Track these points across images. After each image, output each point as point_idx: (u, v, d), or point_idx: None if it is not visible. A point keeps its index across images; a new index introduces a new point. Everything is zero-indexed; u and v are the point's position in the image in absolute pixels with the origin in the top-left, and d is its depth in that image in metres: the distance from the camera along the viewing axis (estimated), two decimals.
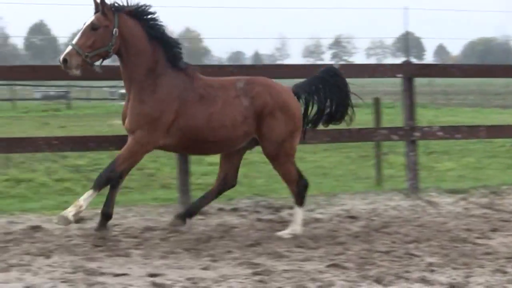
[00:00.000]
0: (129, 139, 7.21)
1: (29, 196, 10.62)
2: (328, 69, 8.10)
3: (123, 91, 52.15)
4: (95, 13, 7.01)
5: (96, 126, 23.09)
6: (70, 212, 6.98)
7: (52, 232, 7.71)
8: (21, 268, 6.29)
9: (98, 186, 7.08)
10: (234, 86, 7.44)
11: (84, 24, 7.03)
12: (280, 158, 7.58)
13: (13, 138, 9.60)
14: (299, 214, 7.72)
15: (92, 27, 6.97)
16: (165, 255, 6.75)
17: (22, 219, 8.52)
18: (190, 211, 7.99)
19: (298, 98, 7.76)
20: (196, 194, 9.47)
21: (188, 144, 7.49)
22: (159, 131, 7.11)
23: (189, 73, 7.35)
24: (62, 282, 5.86)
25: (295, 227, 7.65)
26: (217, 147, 7.66)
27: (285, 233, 7.56)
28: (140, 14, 7.14)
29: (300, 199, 7.75)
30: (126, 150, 7.20)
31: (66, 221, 7.06)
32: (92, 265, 6.34)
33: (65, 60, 6.84)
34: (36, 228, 7.88)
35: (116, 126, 26.34)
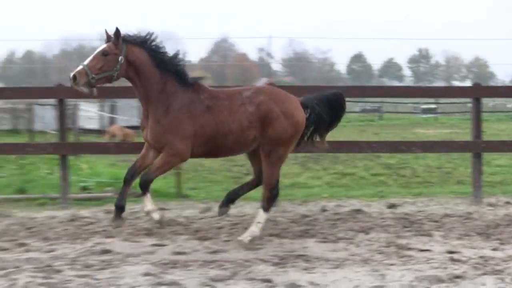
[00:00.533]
0: (162, 153, 7.68)
1: (352, 186, 13.27)
2: (338, 94, 8.47)
3: (425, 106, 53.93)
4: (107, 42, 7.58)
5: (402, 134, 27.79)
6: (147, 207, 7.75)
7: (370, 214, 9.56)
8: (346, 241, 8.01)
9: (141, 188, 7.69)
10: (240, 96, 7.86)
11: (97, 50, 7.60)
12: (272, 159, 7.89)
13: (342, 141, 11.48)
14: (261, 217, 7.98)
15: (103, 53, 7.50)
16: (460, 236, 8.16)
17: (347, 204, 10.55)
18: (230, 198, 8.37)
19: (305, 108, 8.10)
20: (487, 190, 11.43)
21: (208, 149, 7.86)
22: (185, 142, 7.60)
23: (196, 88, 7.77)
24: (378, 253, 7.38)
25: (254, 229, 7.95)
26: (232, 150, 8.06)
27: (244, 236, 7.86)
28: (144, 43, 7.66)
29: (267, 205, 8.02)
30: (159, 164, 7.71)
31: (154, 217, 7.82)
32: (402, 241, 7.88)
33: (74, 77, 7.35)
34: (357, 211, 9.76)
35: (419, 134, 29.90)
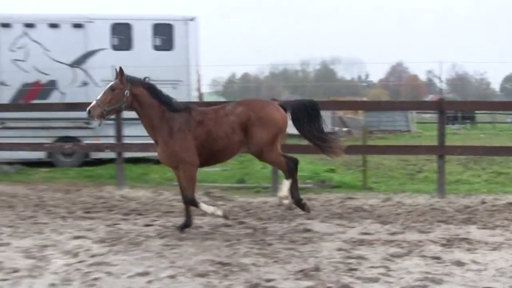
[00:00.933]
0: (181, 172, 9.10)
1: (507, 183, 14.40)
2: (312, 101, 9.80)
3: None
4: (115, 79, 8.90)
5: None
6: (214, 212, 9.19)
7: None
8: (503, 228, 9.21)
9: (188, 203, 9.12)
10: (223, 109, 9.23)
11: (106, 87, 8.94)
12: (264, 154, 9.21)
13: (498, 147, 14.13)
14: (285, 184, 9.27)
15: (111, 89, 8.83)
16: None
17: (503, 197, 11.86)
18: (296, 199, 9.56)
19: (285, 110, 9.39)
20: None
21: (207, 156, 9.16)
22: (194, 158, 9.00)
23: (188, 109, 9.12)
24: None
25: (282, 194, 9.28)
26: (224, 153, 9.30)
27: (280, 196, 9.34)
28: (143, 83, 9.02)
29: (289, 174, 9.29)
30: (184, 181, 9.11)
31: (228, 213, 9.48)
32: None
33: (89, 111, 8.73)
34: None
35: None
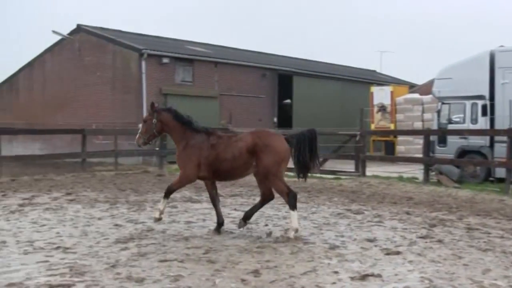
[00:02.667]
0: (179, 174, 11.16)
1: None
2: (312, 131, 10.70)
3: None
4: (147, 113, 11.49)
5: None
6: (156, 213, 10.89)
7: None
8: None
9: (165, 196, 10.87)
10: (236, 136, 10.95)
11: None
12: (269, 178, 10.47)
13: None
14: (294, 216, 10.29)
15: (144, 121, 11.39)
16: None
17: None
18: (246, 216, 10.97)
19: (289, 143, 10.64)
20: None
21: (214, 174, 10.79)
22: (195, 168, 10.66)
23: (208, 132, 10.96)
24: None
25: (293, 225, 10.26)
26: (232, 174, 10.92)
27: (290, 234, 10.17)
28: (169, 110, 11.28)
29: (291, 205, 10.32)
30: (177, 179, 11.05)
31: (156, 220, 10.93)
32: None
33: (136, 140, 11.44)
34: None
35: None
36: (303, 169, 10.77)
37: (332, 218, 12.47)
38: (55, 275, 7.53)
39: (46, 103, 38.44)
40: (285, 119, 39.44)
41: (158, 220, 10.89)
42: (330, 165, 22.90)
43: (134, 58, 32.40)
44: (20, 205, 13.89)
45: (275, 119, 38.64)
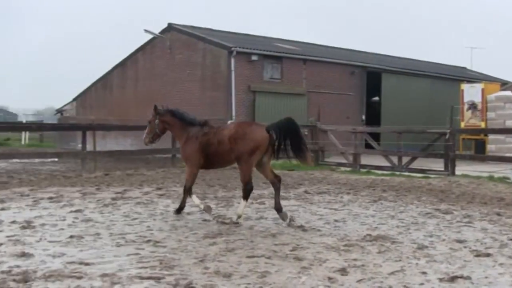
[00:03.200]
0: (186, 169, 12.76)
1: None
2: (289, 119, 11.63)
3: None
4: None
5: None
6: (199, 205, 12.16)
7: None
8: None
9: (185, 191, 12.24)
10: (223, 126, 12.43)
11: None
12: (241, 163, 11.52)
13: None
14: (242, 204, 11.49)
15: (148, 122, 12.92)
16: None
17: None
18: (278, 208, 11.57)
19: (268, 132, 11.49)
20: None
21: (210, 161, 12.09)
22: (195, 155, 12.02)
23: (202, 124, 12.29)
24: None
25: (238, 212, 11.45)
26: (218, 159, 12.02)
27: (233, 218, 11.44)
28: (169, 111, 12.69)
29: (244, 196, 11.52)
30: (187, 174, 12.43)
31: (209, 210, 12.02)
32: None
33: (143, 140, 13.04)
34: None
35: None
36: (297, 152, 11.68)
37: (420, 217, 12.25)
38: (146, 267, 7.68)
39: (138, 100, 39.28)
40: (373, 116, 39.04)
41: (207, 211, 11.98)
42: (418, 163, 22.52)
43: (224, 56, 32.71)
44: (113, 199, 14.28)
45: (363, 117, 38.29)
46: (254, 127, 11.74)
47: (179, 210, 12.23)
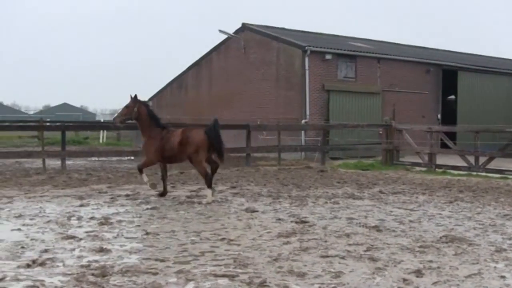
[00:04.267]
0: (143, 158, 15.41)
1: None
2: (216, 120, 14.29)
3: None
4: (130, 101, 14.69)
5: None
6: (146, 182, 14.71)
7: None
8: None
9: (140, 172, 14.74)
10: (176, 132, 14.47)
11: (125, 105, 14.80)
12: (193, 161, 14.22)
13: None
14: (208, 192, 13.97)
15: (126, 106, 14.73)
16: None
17: None
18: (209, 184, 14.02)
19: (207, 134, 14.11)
20: None
21: (167, 159, 14.51)
22: (154, 154, 14.42)
23: (163, 127, 14.69)
24: None
25: (208, 199, 13.77)
26: (175, 158, 14.48)
27: (204, 201, 13.76)
28: (146, 105, 14.91)
29: (207, 185, 14.04)
30: (143, 162, 14.94)
31: (154, 187, 14.70)
32: None
33: (114, 119, 15.27)
34: None
35: None
36: (218, 152, 14.20)
37: (498, 219, 11.92)
38: (220, 265, 7.72)
39: (212, 99, 39.64)
40: (449, 115, 38.33)
41: (151, 186, 14.60)
42: (496, 164, 21.98)
43: (298, 55, 32.65)
44: (188, 197, 14.45)
45: (439, 116, 37.60)
46: (194, 132, 14.29)
47: (147, 182, 14.59)
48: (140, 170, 14.65)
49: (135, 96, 14.78)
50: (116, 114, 14.98)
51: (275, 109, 33.52)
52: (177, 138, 14.15)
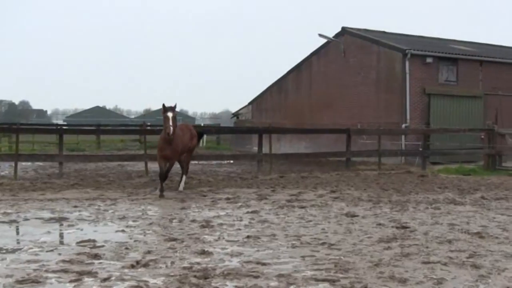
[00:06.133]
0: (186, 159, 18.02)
1: None
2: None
3: None
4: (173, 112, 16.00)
5: None
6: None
7: None
8: None
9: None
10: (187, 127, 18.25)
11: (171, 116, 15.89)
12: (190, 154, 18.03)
13: None
14: (182, 182, 17.43)
15: (174, 117, 15.88)
16: None
17: None
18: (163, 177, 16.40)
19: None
20: None
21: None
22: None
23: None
24: None
25: (182, 185, 17.29)
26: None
27: (180, 187, 17.14)
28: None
29: (185, 172, 17.83)
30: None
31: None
32: None
33: (169, 134, 15.78)
34: None
35: None
36: None
37: None
38: (321, 269, 7.77)
39: (312, 103, 39.64)
40: None
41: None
42: None
43: (398, 58, 32.26)
44: (288, 201, 14.54)
45: None
46: (190, 127, 18.53)
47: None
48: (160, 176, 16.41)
49: (175, 105, 15.97)
50: (168, 126, 15.66)
51: (375, 113, 33.23)
52: (188, 132, 17.76)
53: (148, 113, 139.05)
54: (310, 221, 11.80)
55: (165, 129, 15.77)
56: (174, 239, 9.72)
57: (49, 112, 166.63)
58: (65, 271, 7.63)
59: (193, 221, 11.61)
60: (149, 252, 8.79)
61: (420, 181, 20.36)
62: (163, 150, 16.25)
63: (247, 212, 12.83)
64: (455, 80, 33.33)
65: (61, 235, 10.35)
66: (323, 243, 9.53)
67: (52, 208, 13.13)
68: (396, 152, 27.64)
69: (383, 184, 19.13)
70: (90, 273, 7.50)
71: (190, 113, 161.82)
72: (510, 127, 27.81)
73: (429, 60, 32.03)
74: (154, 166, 24.62)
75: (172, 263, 8.15)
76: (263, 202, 14.52)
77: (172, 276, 7.45)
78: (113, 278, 7.33)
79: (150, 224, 11.29)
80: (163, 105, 15.89)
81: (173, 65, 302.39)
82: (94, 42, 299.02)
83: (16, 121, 58.82)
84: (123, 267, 7.87)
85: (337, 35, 37.63)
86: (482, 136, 27.09)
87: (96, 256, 8.46)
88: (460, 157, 28.52)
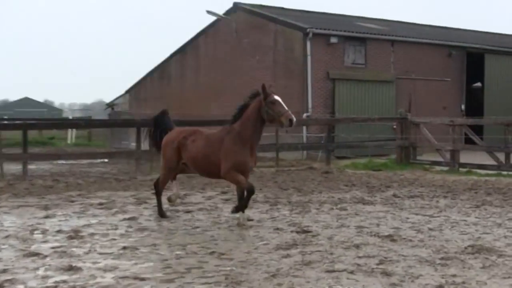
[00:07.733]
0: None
1: None
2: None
3: None
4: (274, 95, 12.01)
5: None
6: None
7: None
8: None
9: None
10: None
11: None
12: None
13: None
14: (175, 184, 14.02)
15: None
16: None
17: None
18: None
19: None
20: None
21: None
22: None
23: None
24: None
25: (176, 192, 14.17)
26: None
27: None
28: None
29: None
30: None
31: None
32: None
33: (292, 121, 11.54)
34: None
35: None
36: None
37: None
38: (210, 283, 7.73)
39: (199, 92, 39.63)
40: (475, 106, 38.38)
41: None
42: None
43: (298, 39, 32.69)
44: (172, 205, 14.41)
45: (463, 107, 37.67)
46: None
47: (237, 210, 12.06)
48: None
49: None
50: (289, 112, 11.55)
51: None
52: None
53: (5, 105, 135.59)
54: (197, 227, 11.77)
55: (282, 118, 11.65)
56: (36, 254, 9.42)
57: None
58: None
59: (59, 231, 11.31)
60: (4, 271, 8.46)
61: (324, 179, 20.71)
62: (243, 156, 11.98)
63: (124, 219, 12.66)
64: (363, 62, 34.11)
65: None
66: (212, 252, 9.49)
67: None
68: (296, 146, 27.98)
69: (282, 182, 19.36)
70: None
71: (57, 104, 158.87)
72: (425, 115, 28.65)
73: (333, 40, 32.61)
74: (12, 168, 23.95)
75: (33, 283, 7.89)
76: (142, 207, 14.40)
77: None
78: None
79: (6, 237, 10.87)
80: (263, 85, 12.21)
81: (32, 52, 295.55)
82: None
83: None
84: None
85: (228, 12, 37.77)
86: (394, 126, 27.78)
87: None
88: (369, 150, 29.18)
